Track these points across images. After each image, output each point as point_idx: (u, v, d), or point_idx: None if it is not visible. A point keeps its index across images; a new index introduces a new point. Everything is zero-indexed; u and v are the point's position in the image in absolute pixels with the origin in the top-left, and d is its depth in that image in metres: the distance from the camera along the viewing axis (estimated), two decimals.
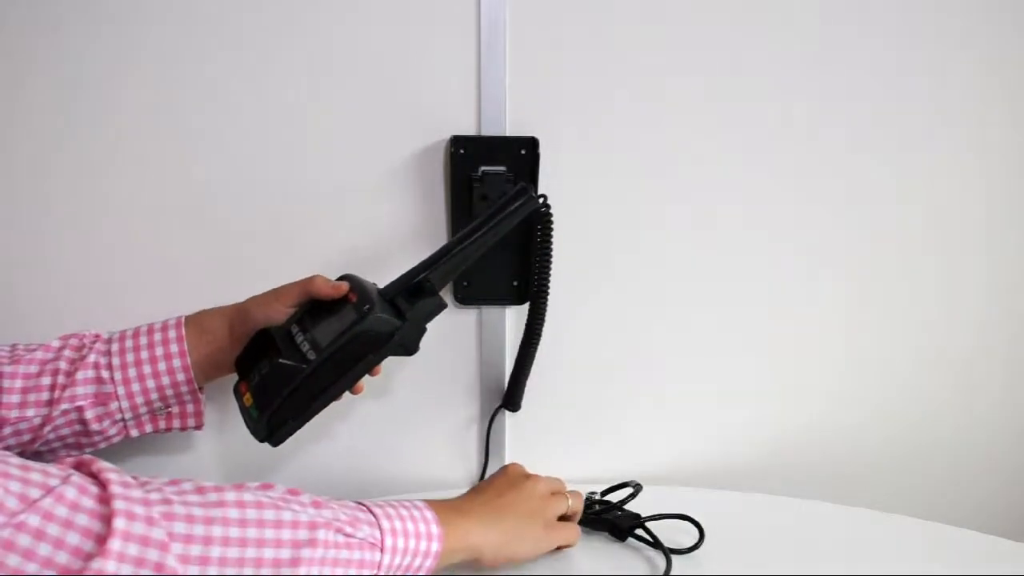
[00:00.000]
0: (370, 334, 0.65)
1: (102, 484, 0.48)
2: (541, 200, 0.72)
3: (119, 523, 0.46)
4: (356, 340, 0.65)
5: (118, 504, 0.47)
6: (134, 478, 0.50)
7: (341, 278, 0.69)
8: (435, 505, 0.64)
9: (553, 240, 0.78)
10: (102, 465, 0.50)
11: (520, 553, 0.68)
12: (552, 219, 0.76)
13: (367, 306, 0.65)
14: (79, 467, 0.50)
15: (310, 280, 0.68)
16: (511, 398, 0.88)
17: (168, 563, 0.46)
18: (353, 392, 0.69)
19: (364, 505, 0.60)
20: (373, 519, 0.58)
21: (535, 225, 0.77)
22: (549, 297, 0.80)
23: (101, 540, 0.45)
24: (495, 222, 0.70)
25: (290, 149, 0.80)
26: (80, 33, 0.74)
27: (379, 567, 0.56)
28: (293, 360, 0.64)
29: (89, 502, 0.47)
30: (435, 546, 0.60)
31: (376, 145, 0.81)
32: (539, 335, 0.82)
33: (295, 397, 0.65)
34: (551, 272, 0.79)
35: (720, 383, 0.95)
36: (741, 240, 0.88)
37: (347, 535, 0.55)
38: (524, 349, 0.83)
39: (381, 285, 0.70)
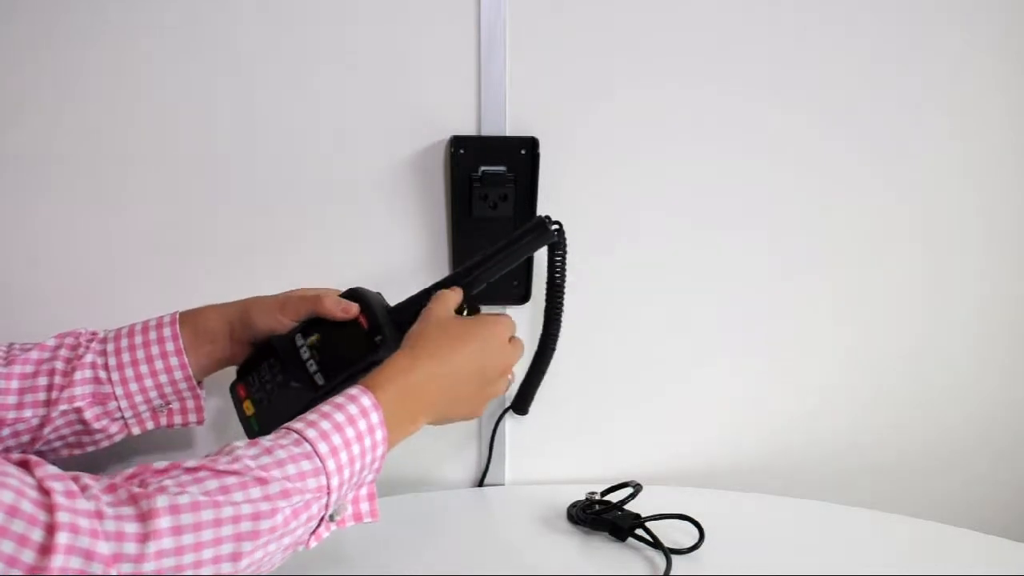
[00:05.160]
0: (380, 362, 0.65)
1: (45, 492, 0.46)
2: (556, 229, 0.71)
3: (62, 538, 0.44)
4: (366, 369, 0.65)
5: (62, 516, 0.44)
6: (74, 479, 0.48)
7: (349, 294, 0.69)
8: (386, 396, 0.59)
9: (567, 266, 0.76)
10: (46, 471, 0.47)
11: (456, 419, 0.67)
12: (566, 249, 0.74)
13: (379, 337, 0.65)
14: (22, 466, 0.48)
15: (319, 300, 0.67)
16: (520, 403, 0.88)
17: None
18: None
19: (305, 439, 0.55)
20: (319, 466, 0.54)
21: (550, 252, 0.75)
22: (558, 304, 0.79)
23: (42, 551, 0.43)
24: (509, 252, 0.69)
25: (289, 149, 0.80)
26: (81, 30, 0.74)
27: (328, 507, 0.55)
28: (302, 384, 0.65)
29: (28, 506, 0.44)
30: (380, 451, 0.58)
31: (376, 145, 0.81)
32: (552, 350, 0.81)
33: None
34: (564, 297, 0.78)
35: (719, 383, 0.95)
36: (741, 240, 0.88)
37: (294, 506, 0.52)
38: (537, 360, 0.83)
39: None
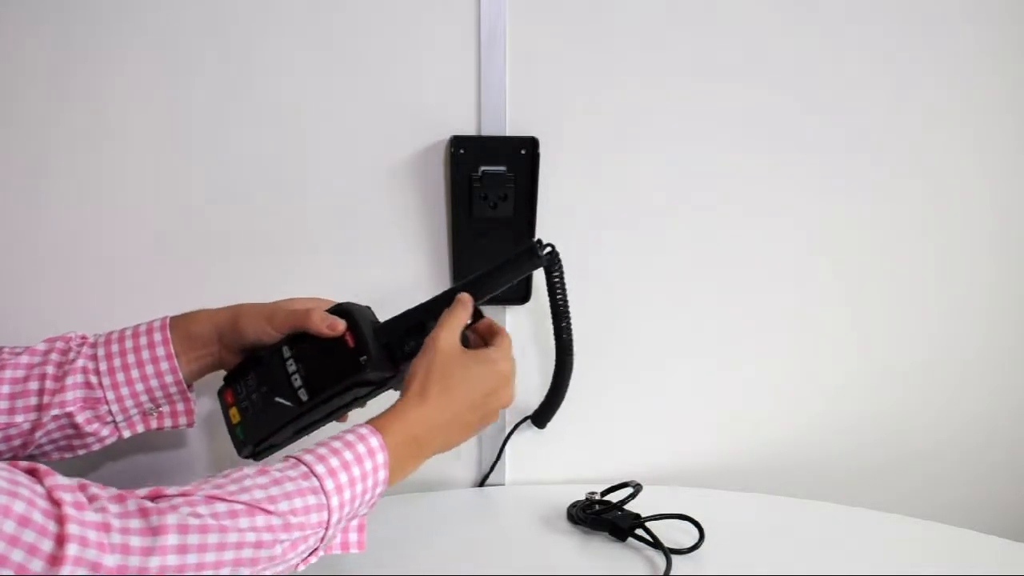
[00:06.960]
0: (364, 382, 0.66)
1: (55, 503, 0.47)
2: (548, 251, 0.71)
3: (71, 549, 0.45)
4: (350, 388, 0.66)
5: (72, 528, 0.46)
6: (81, 488, 0.49)
7: (337, 309, 0.68)
8: (394, 440, 0.61)
9: (567, 284, 0.77)
10: (56, 481, 0.48)
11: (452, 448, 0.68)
12: (563, 272, 0.75)
13: (363, 357, 0.65)
14: (31, 474, 0.49)
15: (307, 316, 0.67)
16: (541, 418, 0.89)
17: None
18: (339, 421, 0.70)
19: (314, 473, 0.56)
20: (324, 502, 0.56)
21: (547, 277, 0.76)
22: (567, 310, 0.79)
23: (51, 561, 0.44)
24: (500, 275, 0.69)
25: (289, 150, 0.80)
26: (76, 33, 0.74)
27: (323, 539, 0.57)
28: (286, 399, 0.66)
29: (39, 517, 0.45)
30: (379, 490, 0.60)
31: (376, 145, 0.81)
32: (570, 370, 0.82)
33: (284, 429, 0.67)
34: (570, 313, 0.79)
35: (720, 383, 0.95)
36: (742, 241, 0.88)
37: (293, 539, 0.54)
38: (557, 382, 0.84)
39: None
